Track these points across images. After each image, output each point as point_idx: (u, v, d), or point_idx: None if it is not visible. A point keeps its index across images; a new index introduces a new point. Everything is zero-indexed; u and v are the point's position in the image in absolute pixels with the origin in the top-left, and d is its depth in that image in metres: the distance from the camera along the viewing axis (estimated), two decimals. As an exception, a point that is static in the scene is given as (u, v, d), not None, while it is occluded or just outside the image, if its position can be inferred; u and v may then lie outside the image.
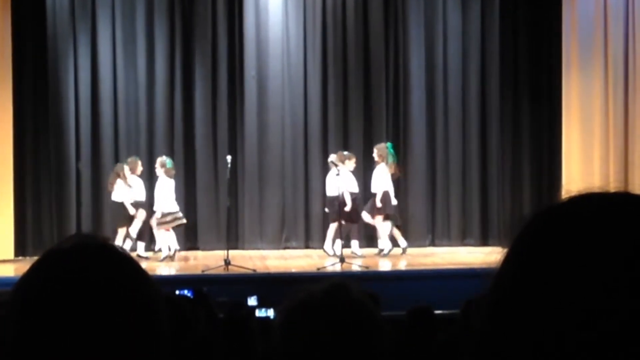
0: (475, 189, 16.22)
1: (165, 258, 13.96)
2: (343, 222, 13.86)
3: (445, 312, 8.55)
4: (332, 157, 14.25)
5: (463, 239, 16.13)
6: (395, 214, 14.40)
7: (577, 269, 0.93)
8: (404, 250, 14.32)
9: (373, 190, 14.19)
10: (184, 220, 14.38)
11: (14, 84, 14.65)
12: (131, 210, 13.98)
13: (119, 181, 14.02)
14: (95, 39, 15.65)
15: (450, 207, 16.22)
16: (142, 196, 14.22)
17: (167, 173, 14.10)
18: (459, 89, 16.29)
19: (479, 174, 16.26)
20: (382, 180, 14.12)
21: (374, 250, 14.67)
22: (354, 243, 14.28)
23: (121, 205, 13.99)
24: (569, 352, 0.92)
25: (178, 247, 14.26)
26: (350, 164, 14.17)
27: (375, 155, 14.36)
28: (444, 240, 16.12)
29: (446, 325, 6.54)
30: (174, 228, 14.18)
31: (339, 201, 13.86)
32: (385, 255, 14.13)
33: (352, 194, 13.99)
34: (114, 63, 15.72)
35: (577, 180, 14.23)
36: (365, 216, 14.32)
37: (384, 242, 14.28)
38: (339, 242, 13.81)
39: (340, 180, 13.88)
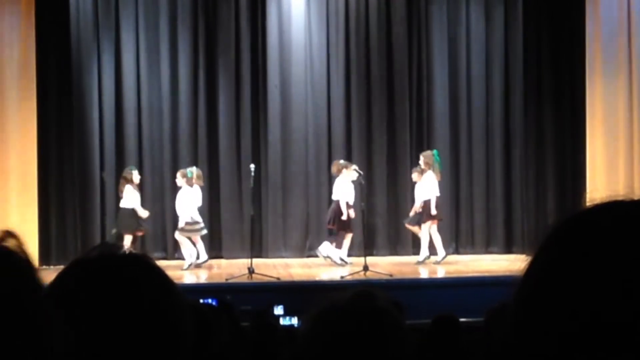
0: (499, 197, 16.17)
1: (190, 266, 13.98)
2: (335, 230, 13.99)
3: (470, 320, 8.52)
4: (353, 166, 14.24)
5: (487, 247, 16.08)
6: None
7: (602, 277, 0.93)
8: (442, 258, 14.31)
9: (424, 197, 14.05)
10: (205, 231, 14.37)
11: (38, 94, 14.69)
12: (143, 214, 14.01)
13: (127, 187, 13.99)
14: (119, 48, 15.72)
15: (474, 215, 16.17)
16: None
17: (188, 182, 14.08)
18: (482, 97, 16.25)
19: (503, 182, 16.20)
20: (433, 186, 14.09)
21: (407, 258, 14.75)
22: (343, 250, 14.22)
23: (131, 212, 14.01)
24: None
25: (207, 257, 14.28)
26: (348, 172, 14.10)
27: (421, 162, 14.30)
28: (468, 248, 16.08)
29: (470, 334, 6.52)
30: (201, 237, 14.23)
31: (335, 209, 13.95)
32: (420, 263, 14.12)
33: (348, 203, 13.98)
34: (137, 73, 15.78)
35: (601, 188, 14.12)
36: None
37: (424, 250, 14.28)
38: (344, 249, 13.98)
39: (336, 188, 13.94)
